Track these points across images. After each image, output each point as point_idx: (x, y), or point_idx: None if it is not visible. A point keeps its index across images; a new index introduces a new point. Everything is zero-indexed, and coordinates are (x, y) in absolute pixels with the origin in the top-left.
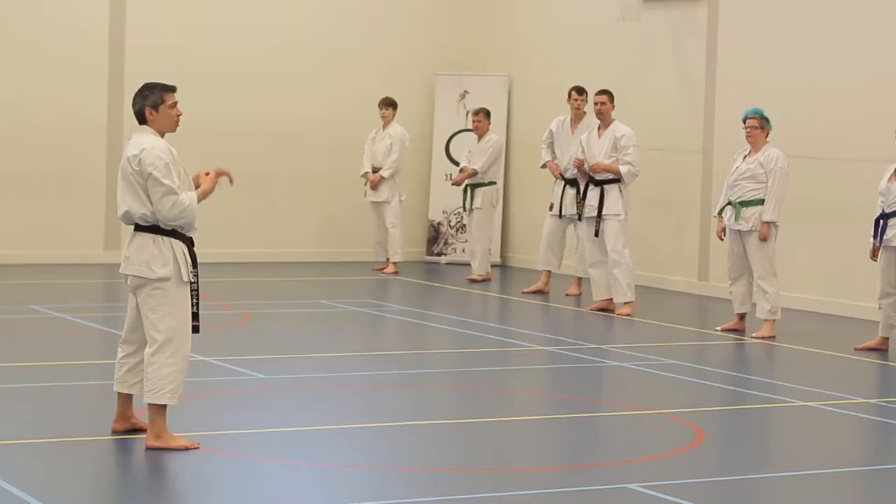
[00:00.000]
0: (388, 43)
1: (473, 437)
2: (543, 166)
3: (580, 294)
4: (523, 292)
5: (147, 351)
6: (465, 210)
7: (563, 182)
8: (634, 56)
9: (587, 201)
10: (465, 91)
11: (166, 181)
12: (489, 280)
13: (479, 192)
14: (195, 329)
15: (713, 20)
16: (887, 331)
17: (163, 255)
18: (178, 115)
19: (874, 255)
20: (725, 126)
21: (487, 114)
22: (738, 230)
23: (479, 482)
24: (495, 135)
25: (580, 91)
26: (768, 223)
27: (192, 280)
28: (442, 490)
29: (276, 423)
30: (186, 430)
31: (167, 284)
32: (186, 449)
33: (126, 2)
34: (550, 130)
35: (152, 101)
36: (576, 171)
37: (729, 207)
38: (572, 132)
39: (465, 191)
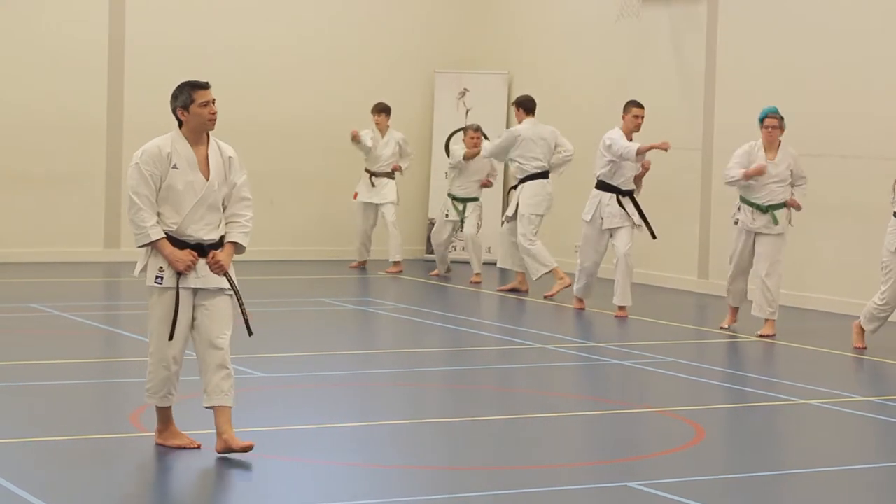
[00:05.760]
0: (388, 41)
1: (473, 435)
2: None
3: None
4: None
5: None
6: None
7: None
8: (634, 53)
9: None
10: (465, 89)
11: (130, 182)
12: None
13: (471, 205)
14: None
15: (713, 17)
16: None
17: (142, 259)
18: (212, 114)
19: None
20: (725, 124)
21: (478, 130)
22: (766, 233)
23: (478, 480)
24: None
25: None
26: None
27: (168, 286)
28: (441, 488)
29: (276, 421)
30: (187, 428)
31: (149, 288)
32: (184, 448)
33: (125, 0)
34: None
35: (182, 102)
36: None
37: (748, 207)
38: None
39: (455, 203)
